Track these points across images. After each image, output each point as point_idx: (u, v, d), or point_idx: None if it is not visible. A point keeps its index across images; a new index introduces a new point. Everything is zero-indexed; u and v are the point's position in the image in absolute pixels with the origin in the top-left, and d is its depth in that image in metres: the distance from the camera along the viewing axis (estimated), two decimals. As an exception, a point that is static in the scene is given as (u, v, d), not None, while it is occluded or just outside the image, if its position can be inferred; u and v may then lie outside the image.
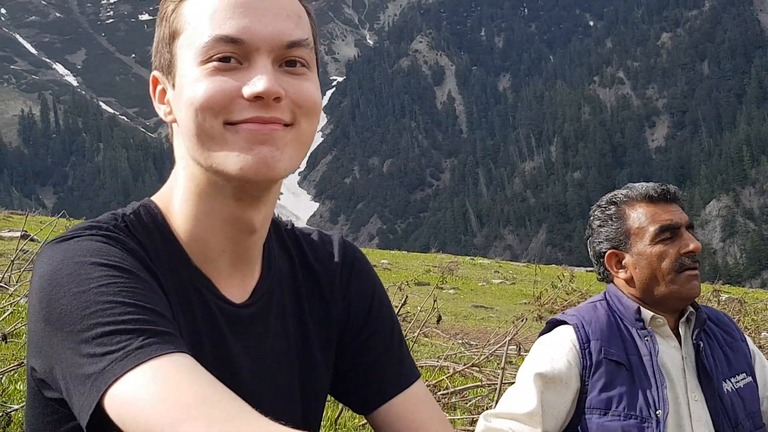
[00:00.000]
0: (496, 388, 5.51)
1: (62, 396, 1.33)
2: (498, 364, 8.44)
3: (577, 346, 2.80)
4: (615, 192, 3.01)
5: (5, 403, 4.96)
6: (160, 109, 1.54)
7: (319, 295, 1.75)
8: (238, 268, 1.60)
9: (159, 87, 1.54)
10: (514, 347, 9.65)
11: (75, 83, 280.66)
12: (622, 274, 2.93)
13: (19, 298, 8.65)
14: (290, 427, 1.18)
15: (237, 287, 1.60)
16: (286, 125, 1.44)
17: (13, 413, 4.67)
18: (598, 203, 3.04)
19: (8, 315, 7.24)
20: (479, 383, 7.31)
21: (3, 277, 10.63)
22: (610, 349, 2.80)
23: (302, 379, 1.69)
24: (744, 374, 2.93)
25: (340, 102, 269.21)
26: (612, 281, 3.00)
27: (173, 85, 1.49)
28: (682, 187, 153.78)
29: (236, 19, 1.42)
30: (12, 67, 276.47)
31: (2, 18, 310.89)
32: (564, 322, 2.91)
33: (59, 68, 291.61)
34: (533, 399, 2.75)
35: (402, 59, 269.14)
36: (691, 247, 2.83)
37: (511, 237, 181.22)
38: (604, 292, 3.03)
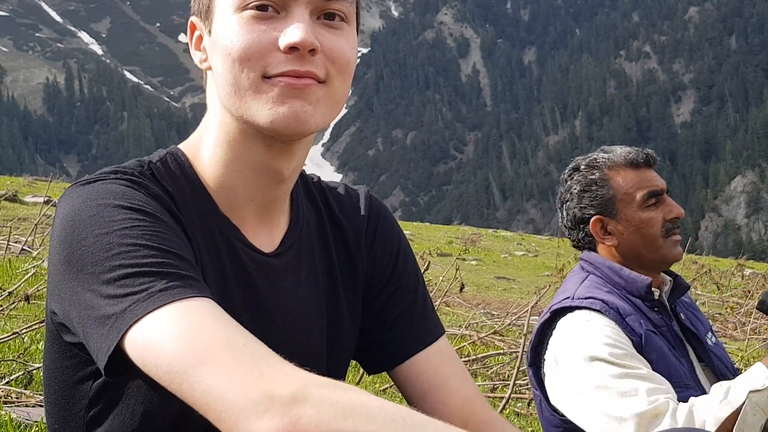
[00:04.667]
0: (517, 356, 5.47)
1: (81, 340, 1.31)
2: (520, 332, 8.41)
3: (618, 326, 2.63)
4: (593, 155, 2.91)
5: (27, 362, 4.97)
6: (196, 56, 1.52)
7: (346, 249, 1.71)
8: (265, 217, 1.57)
9: (196, 33, 1.52)
10: (537, 317, 9.61)
11: (100, 52, 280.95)
12: (608, 241, 2.85)
13: (41, 261, 8.72)
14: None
15: (265, 237, 1.57)
16: (320, 82, 1.41)
17: (35, 372, 4.66)
18: (573, 166, 2.94)
19: (31, 276, 7.25)
20: (501, 351, 7.28)
21: (27, 241, 10.77)
22: (641, 320, 2.70)
23: (329, 336, 1.64)
24: (709, 333, 2.94)
25: (364, 74, 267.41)
26: (594, 248, 2.91)
27: (209, 32, 1.46)
28: (708, 163, 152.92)
29: None
30: (37, 35, 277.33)
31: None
32: (576, 308, 2.71)
33: (84, 36, 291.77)
34: (637, 370, 2.51)
35: (427, 31, 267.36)
36: (675, 212, 2.81)
37: (534, 211, 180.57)
38: (581, 265, 2.93)
